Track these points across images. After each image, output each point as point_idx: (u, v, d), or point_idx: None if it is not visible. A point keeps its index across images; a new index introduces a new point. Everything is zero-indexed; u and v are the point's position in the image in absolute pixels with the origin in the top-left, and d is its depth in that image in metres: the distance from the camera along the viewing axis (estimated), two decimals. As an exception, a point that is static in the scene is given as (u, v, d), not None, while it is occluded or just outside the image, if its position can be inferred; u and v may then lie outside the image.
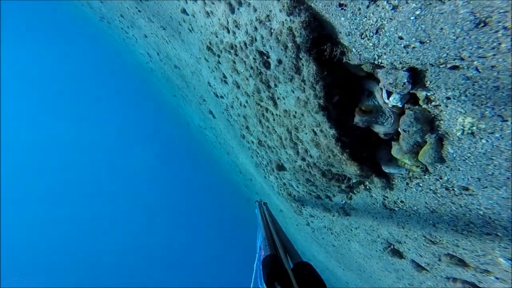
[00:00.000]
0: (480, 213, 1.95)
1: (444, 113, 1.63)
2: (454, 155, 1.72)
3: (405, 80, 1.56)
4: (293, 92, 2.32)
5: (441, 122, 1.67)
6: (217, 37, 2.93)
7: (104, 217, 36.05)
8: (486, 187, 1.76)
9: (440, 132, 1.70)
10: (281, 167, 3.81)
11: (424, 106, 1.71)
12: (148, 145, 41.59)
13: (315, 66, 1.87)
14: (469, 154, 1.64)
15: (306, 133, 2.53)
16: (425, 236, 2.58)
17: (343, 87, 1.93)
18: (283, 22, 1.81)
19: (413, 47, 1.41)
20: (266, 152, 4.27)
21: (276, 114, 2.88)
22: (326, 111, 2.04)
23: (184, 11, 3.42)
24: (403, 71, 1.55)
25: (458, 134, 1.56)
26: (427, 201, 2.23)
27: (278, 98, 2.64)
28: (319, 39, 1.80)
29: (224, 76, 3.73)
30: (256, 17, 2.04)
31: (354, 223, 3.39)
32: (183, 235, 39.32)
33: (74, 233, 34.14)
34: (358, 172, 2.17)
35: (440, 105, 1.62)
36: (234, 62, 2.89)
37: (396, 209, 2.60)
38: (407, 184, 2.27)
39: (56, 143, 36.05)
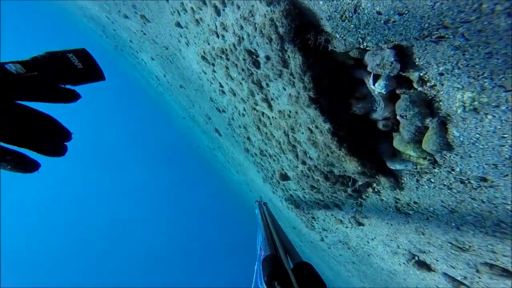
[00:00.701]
0: (508, 208, 1.76)
1: (441, 93, 1.55)
2: (462, 139, 1.60)
3: (392, 59, 1.52)
4: (285, 89, 2.33)
5: (440, 103, 1.59)
6: (208, 44, 3.09)
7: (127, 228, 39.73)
8: (507, 175, 1.60)
9: (441, 115, 1.61)
10: (284, 177, 3.72)
11: (420, 89, 1.65)
12: (163, 166, 44.36)
13: (301, 56, 1.89)
14: (477, 135, 1.52)
15: (302, 133, 2.49)
16: (450, 242, 2.33)
17: (332, 76, 1.92)
18: (265, 14, 1.88)
19: (394, 21, 1.40)
20: (269, 162, 4.22)
21: (272, 117, 2.88)
22: (317, 103, 2.02)
23: (178, 24, 3.67)
24: (389, 49, 1.52)
25: (459, 111, 1.47)
26: (443, 199, 2.05)
27: (272, 99, 2.66)
28: (302, 28, 1.83)
29: (221, 86, 3.85)
30: (240, 14, 2.14)
31: (370, 234, 3.16)
32: (187, 239, 43.12)
33: (94, 237, 36.73)
34: (360, 168, 2.07)
35: (436, 85, 1.55)
36: (227, 68, 3.00)
37: (411, 212, 2.41)
38: (418, 181, 2.12)
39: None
